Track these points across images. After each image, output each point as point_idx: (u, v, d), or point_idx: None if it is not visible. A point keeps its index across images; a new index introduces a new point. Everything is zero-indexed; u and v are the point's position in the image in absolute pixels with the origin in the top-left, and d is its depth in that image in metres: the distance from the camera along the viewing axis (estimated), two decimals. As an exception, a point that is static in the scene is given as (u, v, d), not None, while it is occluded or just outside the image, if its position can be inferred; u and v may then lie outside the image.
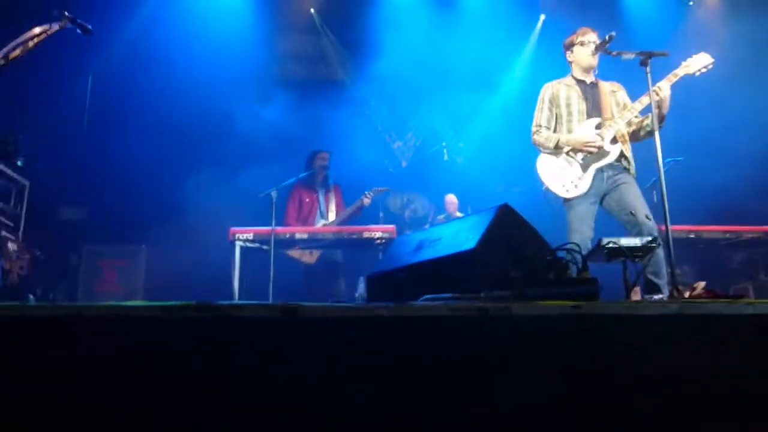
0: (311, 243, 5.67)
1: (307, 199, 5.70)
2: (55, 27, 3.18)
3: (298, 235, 5.63)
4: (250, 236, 5.57)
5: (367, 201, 5.83)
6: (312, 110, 7.65)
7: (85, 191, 6.45)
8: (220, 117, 6.92)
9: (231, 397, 1.57)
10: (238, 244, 5.52)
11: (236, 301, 4.55)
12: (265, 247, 5.47)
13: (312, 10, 8.19)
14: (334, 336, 1.65)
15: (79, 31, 3.35)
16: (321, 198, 5.77)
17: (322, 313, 1.64)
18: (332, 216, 5.83)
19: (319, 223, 5.79)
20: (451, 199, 7.23)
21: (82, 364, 1.56)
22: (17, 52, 3.01)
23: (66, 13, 3.24)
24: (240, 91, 7.27)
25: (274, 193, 5.44)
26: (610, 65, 3.80)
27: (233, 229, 5.66)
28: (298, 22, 8.21)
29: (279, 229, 5.49)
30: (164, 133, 5.17)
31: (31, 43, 3.04)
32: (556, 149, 3.73)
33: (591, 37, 3.84)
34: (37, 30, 3.11)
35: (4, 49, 2.98)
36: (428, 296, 2.01)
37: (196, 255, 6.06)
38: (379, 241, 5.67)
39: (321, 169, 5.85)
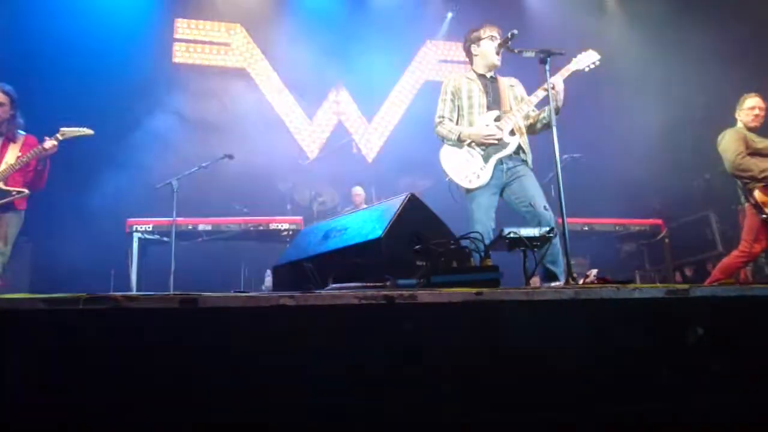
0: (215, 234, 5.50)
1: None
2: None
3: (201, 227, 5.45)
4: (149, 227, 5.33)
5: (48, 145, 4.32)
6: (216, 99, 7.42)
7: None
8: (115, 104, 6.54)
9: (128, 391, 1.49)
10: (136, 235, 5.27)
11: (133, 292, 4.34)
12: (165, 238, 5.26)
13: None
14: (238, 327, 1.59)
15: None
16: None
17: (224, 302, 1.58)
18: (7, 166, 4.33)
19: None
20: (358, 191, 7.26)
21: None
22: None
23: None
24: (136, 77, 6.91)
25: (175, 183, 5.22)
26: (509, 60, 3.93)
27: (130, 220, 5.39)
28: (201, 7, 7.94)
29: (180, 219, 5.28)
30: (51, 119, 4.80)
31: None
32: (459, 141, 3.81)
33: (496, 33, 3.95)
34: None
35: None
36: (335, 285, 1.99)
37: (90, 249, 5.70)
38: (286, 232, 5.60)
39: None
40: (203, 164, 5.51)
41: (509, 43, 3.70)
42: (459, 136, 3.80)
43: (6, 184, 4.30)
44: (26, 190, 4.34)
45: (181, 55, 7.82)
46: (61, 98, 5.74)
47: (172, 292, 1.69)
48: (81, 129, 4.44)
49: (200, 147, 6.41)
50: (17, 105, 4.45)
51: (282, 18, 7.91)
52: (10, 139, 4.39)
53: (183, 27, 7.91)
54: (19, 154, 4.35)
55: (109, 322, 1.54)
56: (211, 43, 7.99)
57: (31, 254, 5.62)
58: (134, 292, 3.80)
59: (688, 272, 6.53)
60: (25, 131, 4.47)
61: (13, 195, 4.29)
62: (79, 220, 5.91)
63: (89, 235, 5.76)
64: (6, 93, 4.38)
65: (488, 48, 3.95)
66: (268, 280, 5.74)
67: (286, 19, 7.88)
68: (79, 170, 6.17)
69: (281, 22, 7.89)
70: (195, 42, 7.92)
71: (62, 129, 4.37)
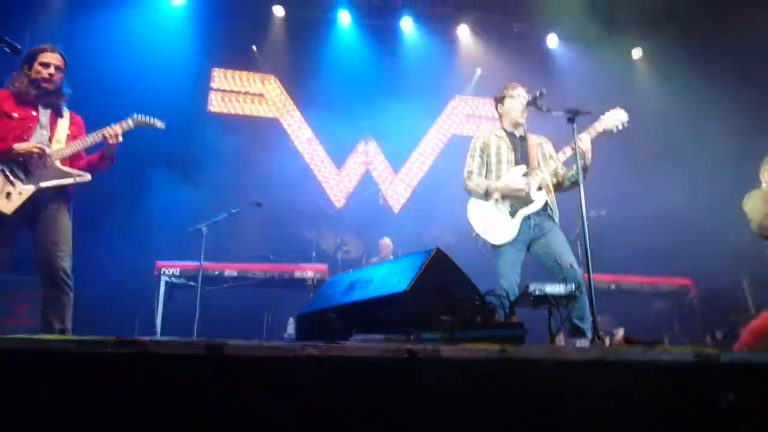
0: (241, 280, 5.55)
1: (17, 114, 3.58)
2: None
3: (227, 272, 5.51)
4: (177, 271, 5.41)
5: (112, 132, 3.74)
6: (247, 146, 7.61)
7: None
8: (149, 147, 6.75)
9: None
10: (164, 278, 5.35)
11: (158, 337, 4.37)
12: (192, 283, 5.32)
13: (254, 48, 8.25)
14: (261, 375, 1.60)
15: (7, 50, 3.22)
16: (44, 119, 3.68)
17: (249, 351, 1.60)
18: (59, 144, 3.69)
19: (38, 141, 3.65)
20: (386, 242, 7.29)
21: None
22: None
23: None
24: (171, 122, 7.13)
25: (204, 228, 5.31)
26: (539, 118, 3.98)
27: (159, 263, 5.48)
28: (238, 58, 8.25)
29: (207, 264, 5.35)
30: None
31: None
32: (486, 195, 3.84)
33: (520, 92, 4.01)
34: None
35: None
36: (358, 336, 2.00)
37: (118, 289, 5.79)
38: (311, 281, 5.63)
39: (42, 81, 3.63)
40: (233, 210, 5.61)
41: (537, 101, 3.75)
42: (486, 189, 3.83)
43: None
44: (88, 175, 3.68)
45: (216, 104, 8.09)
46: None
47: (197, 339, 1.72)
48: (153, 119, 3.97)
49: (230, 194, 6.52)
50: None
51: (315, 70, 8.16)
52: (58, 113, 3.73)
53: (220, 77, 8.21)
54: (68, 132, 3.72)
55: (136, 365, 1.56)
56: (245, 93, 8.27)
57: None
58: (160, 337, 3.82)
59: (718, 335, 6.34)
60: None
61: (74, 178, 3.63)
62: (108, 258, 6.00)
63: (117, 274, 5.84)
64: (62, 57, 3.71)
65: (512, 106, 4.01)
66: (291, 327, 5.75)
67: (318, 71, 8.13)
68: (111, 208, 6.34)
69: (314, 75, 8.14)
70: (230, 92, 8.20)
71: (134, 115, 3.84)
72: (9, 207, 3.39)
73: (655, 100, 7.89)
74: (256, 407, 1.58)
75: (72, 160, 3.70)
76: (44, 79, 3.58)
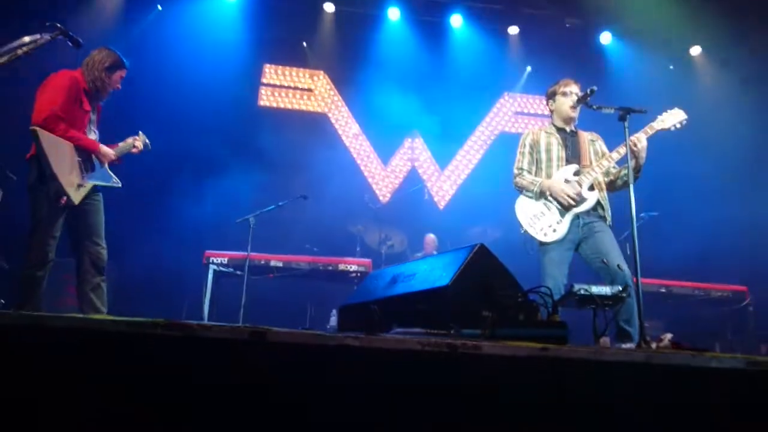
0: (286, 271, 5.63)
1: (87, 108, 3.78)
2: (46, 37, 3.18)
3: (273, 263, 5.60)
4: (225, 260, 5.53)
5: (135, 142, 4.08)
6: (295, 141, 7.71)
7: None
8: (203, 140, 6.93)
9: (198, 417, 1.54)
10: (212, 267, 5.48)
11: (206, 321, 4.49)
12: (239, 272, 5.43)
13: (304, 44, 8.34)
14: (302, 363, 1.63)
15: (69, 43, 3.35)
16: (93, 116, 3.89)
17: (291, 338, 1.63)
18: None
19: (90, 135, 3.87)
20: (431, 238, 7.29)
21: (42, 376, 1.52)
22: (3, 59, 3.00)
23: (58, 25, 3.24)
24: (223, 116, 7.32)
25: (252, 219, 5.42)
26: (590, 116, 3.90)
27: (208, 251, 5.62)
28: (289, 53, 8.36)
29: (254, 255, 5.46)
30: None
31: (19, 51, 3.02)
32: (539, 193, 3.78)
33: (573, 89, 3.94)
34: (26, 39, 3.09)
35: None
36: (399, 329, 2.01)
37: (169, 275, 5.98)
38: (354, 274, 5.67)
39: (113, 91, 3.94)
40: (280, 203, 5.70)
41: (588, 99, 3.68)
42: (540, 188, 3.78)
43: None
44: (119, 183, 3.90)
45: (266, 98, 8.23)
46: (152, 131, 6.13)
47: (242, 325, 1.76)
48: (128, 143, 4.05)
49: (278, 186, 6.63)
50: None
51: (363, 66, 8.19)
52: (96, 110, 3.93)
53: (270, 72, 8.34)
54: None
55: (183, 347, 1.61)
56: (295, 88, 8.38)
57: (117, 276, 5.89)
58: (207, 322, 3.92)
59: (775, 344, 6.09)
60: None
61: (114, 182, 3.88)
62: (159, 245, 6.18)
63: (167, 262, 6.02)
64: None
65: (562, 102, 3.95)
66: (333, 319, 5.81)
67: (367, 67, 8.16)
68: (164, 198, 6.53)
69: (363, 70, 8.18)
70: (280, 87, 8.32)
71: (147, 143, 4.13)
72: (77, 198, 3.59)
73: (714, 99, 7.61)
74: (296, 394, 1.61)
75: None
76: (111, 90, 3.86)
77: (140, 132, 4.12)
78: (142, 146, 4.08)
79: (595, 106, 3.60)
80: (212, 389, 1.58)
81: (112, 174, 3.88)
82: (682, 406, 1.76)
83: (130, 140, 4.04)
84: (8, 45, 3.01)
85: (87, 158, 3.71)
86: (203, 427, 1.54)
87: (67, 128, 3.60)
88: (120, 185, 3.91)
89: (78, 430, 1.50)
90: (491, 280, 2.27)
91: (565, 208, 3.71)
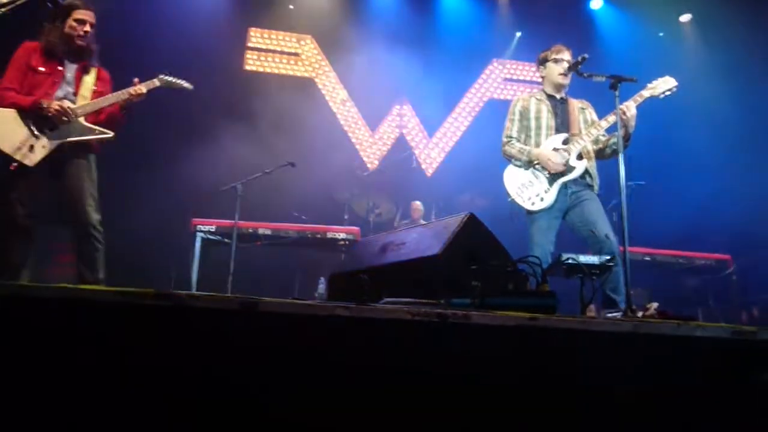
0: (274, 239, 5.62)
1: (43, 69, 3.60)
2: None
3: (261, 230, 5.58)
4: (212, 228, 5.50)
5: (137, 92, 3.72)
6: (282, 107, 7.60)
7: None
8: (185, 106, 6.80)
9: (188, 386, 1.54)
10: (200, 235, 5.45)
11: (195, 291, 4.48)
12: (226, 240, 5.41)
13: (291, 7, 8.17)
14: (293, 332, 1.63)
15: (48, 3, 3.26)
16: (69, 74, 3.68)
17: (282, 308, 1.62)
18: (84, 100, 3.70)
19: (62, 99, 3.64)
20: (417, 205, 7.29)
21: (30, 347, 1.51)
22: None
23: None
24: (207, 81, 7.15)
25: (239, 186, 5.37)
26: (579, 82, 3.88)
27: (195, 219, 5.58)
28: (275, 16, 8.19)
29: (241, 222, 5.43)
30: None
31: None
32: (528, 162, 3.78)
33: (565, 55, 3.91)
34: (3, -1, 2.99)
35: None
36: (389, 299, 2.01)
37: (156, 244, 5.93)
38: (342, 242, 5.67)
39: (77, 38, 3.65)
40: (266, 170, 5.65)
41: (579, 66, 3.65)
42: (529, 156, 3.77)
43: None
44: (110, 133, 3.67)
45: (252, 63, 8.08)
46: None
47: (233, 294, 1.75)
48: (181, 81, 3.93)
49: (264, 153, 6.55)
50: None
51: (351, 31, 8.05)
52: (85, 69, 3.72)
53: (257, 36, 8.17)
54: (94, 87, 3.73)
55: (172, 317, 1.60)
56: (281, 52, 8.22)
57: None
58: (196, 291, 3.91)
59: (755, 312, 6.21)
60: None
61: (96, 134, 3.63)
62: (145, 213, 6.11)
63: (153, 229, 5.96)
64: (94, 15, 3.71)
65: (553, 69, 3.92)
66: (322, 287, 5.82)
67: (354, 32, 8.02)
68: (148, 165, 6.44)
69: (350, 35, 8.03)
70: (267, 51, 8.17)
71: (161, 76, 3.83)
72: (32, 159, 3.46)
73: (702, 67, 7.59)
74: (286, 363, 1.61)
75: (94, 113, 3.70)
76: (79, 36, 3.62)
77: (135, 79, 3.78)
78: (145, 89, 3.72)
79: (586, 74, 3.57)
80: (202, 359, 1.58)
81: (92, 126, 3.62)
82: (668, 375, 1.80)
83: (118, 92, 3.72)
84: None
85: (39, 117, 3.50)
86: (194, 400, 1.55)
87: (11, 96, 3.48)
88: (109, 136, 3.65)
89: (65, 402, 1.50)
90: (481, 250, 2.27)
91: (553, 177, 3.71)
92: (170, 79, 3.86)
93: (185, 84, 3.96)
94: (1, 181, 3.43)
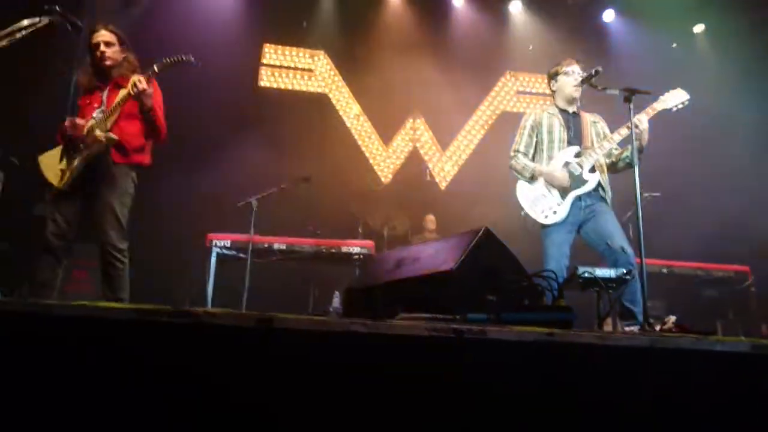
0: (289, 253, 5.64)
1: (88, 101, 3.71)
2: (45, 20, 3.15)
3: (276, 245, 5.61)
4: (228, 243, 5.53)
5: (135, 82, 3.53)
6: (296, 122, 7.66)
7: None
8: (202, 122, 6.87)
9: (204, 404, 1.55)
10: (215, 250, 5.48)
11: (210, 308, 4.50)
12: (242, 255, 5.44)
13: (304, 23, 8.25)
14: (309, 349, 1.64)
15: (68, 26, 3.32)
16: (104, 95, 3.68)
17: (298, 325, 1.63)
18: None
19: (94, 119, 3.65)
20: (431, 219, 7.28)
21: (48, 365, 1.53)
22: (3, 42, 2.97)
23: (57, 8, 3.21)
24: (222, 97, 7.24)
25: (254, 202, 5.41)
26: (591, 94, 3.87)
27: (210, 234, 5.62)
28: (289, 33, 8.27)
29: (257, 237, 5.46)
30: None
31: (18, 35, 2.99)
32: (531, 180, 3.79)
33: (575, 68, 3.91)
34: (25, 22, 3.06)
35: None
36: (405, 315, 2.01)
37: (171, 259, 5.98)
38: (357, 256, 5.68)
39: (99, 62, 3.70)
40: (282, 185, 5.69)
41: (593, 79, 3.65)
42: (532, 173, 3.78)
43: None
44: (112, 135, 3.50)
45: (267, 79, 8.16)
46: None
47: (248, 311, 1.76)
48: (181, 56, 3.65)
49: (279, 168, 6.60)
50: (128, 46, 3.76)
51: (364, 46, 8.11)
52: (117, 84, 3.66)
53: (270, 52, 8.26)
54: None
55: (189, 334, 1.62)
56: (295, 68, 8.30)
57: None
58: (211, 308, 3.93)
59: (775, 325, 6.11)
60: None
61: (102, 142, 3.51)
62: (162, 227, 6.17)
63: (168, 244, 6.02)
64: (112, 31, 3.69)
65: (565, 83, 3.92)
66: (336, 301, 5.83)
67: (367, 47, 8.08)
68: (165, 180, 6.49)
69: (363, 51, 8.10)
70: (281, 67, 8.25)
71: (155, 64, 3.60)
72: (60, 183, 3.58)
73: (717, 78, 7.54)
74: (302, 380, 1.62)
75: (127, 123, 3.63)
76: (100, 60, 3.68)
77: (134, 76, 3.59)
78: (144, 79, 3.51)
79: (600, 87, 3.57)
80: (218, 377, 1.58)
81: (102, 136, 3.50)
82: (687, 390, 1.77)
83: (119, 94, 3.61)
84: (6, 29, 2.98)
85: (70, 143, 3.62)
86: (212, 417, 1.55)
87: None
88: (111, 138, 3.49)
89: (80, 419, 1.51)
90: (496, 264, 2.27)
91: (565, 191, 3.71)
92: (167, 60, 3.62)
93: (188, 58, 3.67)
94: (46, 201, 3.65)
